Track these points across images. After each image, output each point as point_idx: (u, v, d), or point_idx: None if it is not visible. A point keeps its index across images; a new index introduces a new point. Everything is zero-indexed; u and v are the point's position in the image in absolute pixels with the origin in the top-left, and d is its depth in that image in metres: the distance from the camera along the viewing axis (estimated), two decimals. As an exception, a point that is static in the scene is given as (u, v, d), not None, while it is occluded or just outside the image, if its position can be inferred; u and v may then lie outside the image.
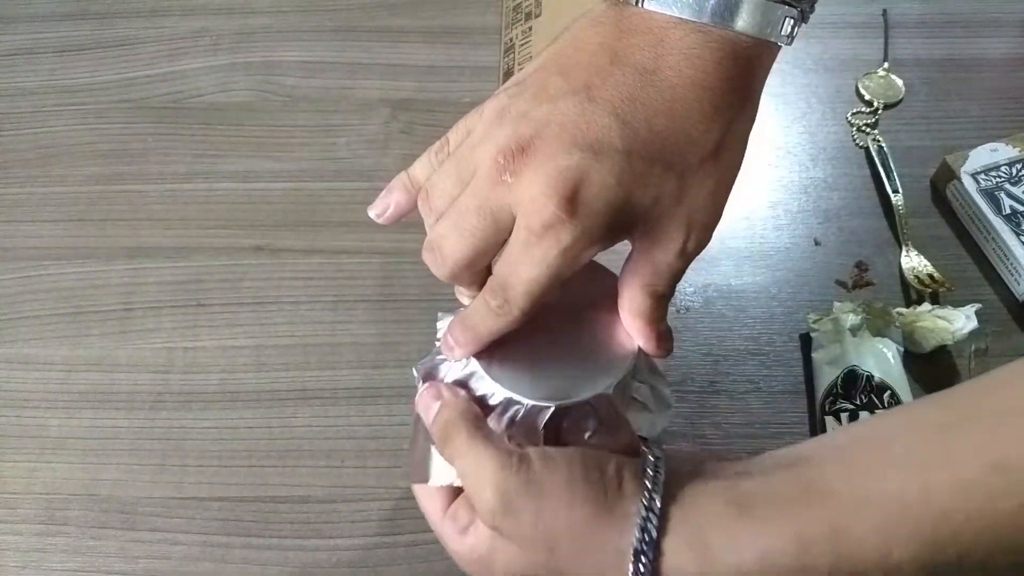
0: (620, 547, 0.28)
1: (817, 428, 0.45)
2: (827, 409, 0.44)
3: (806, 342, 0.48)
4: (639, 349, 0.33)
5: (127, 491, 0.44)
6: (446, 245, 0.31)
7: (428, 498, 0.33)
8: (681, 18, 0.29)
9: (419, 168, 0.35)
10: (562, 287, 0.31)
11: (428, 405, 0.33)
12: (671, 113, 0.29)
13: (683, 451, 0.43)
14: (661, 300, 0.32)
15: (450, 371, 0.35)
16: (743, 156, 0.31)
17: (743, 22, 0.29)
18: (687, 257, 0.31)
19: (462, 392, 0.33)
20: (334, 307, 0.49)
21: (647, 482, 0.29)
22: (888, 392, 0.44)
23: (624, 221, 0.29)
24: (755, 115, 0.31)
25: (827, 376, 0.45)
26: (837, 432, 0.42)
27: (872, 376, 0.44)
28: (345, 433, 0.45)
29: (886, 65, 0.59)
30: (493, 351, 0.33)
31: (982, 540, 0.26)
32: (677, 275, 0.32)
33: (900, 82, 0.58)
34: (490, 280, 0.31)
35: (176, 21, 0.62)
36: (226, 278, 0.51)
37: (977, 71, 0.59)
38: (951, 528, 0.26)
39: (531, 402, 0.32)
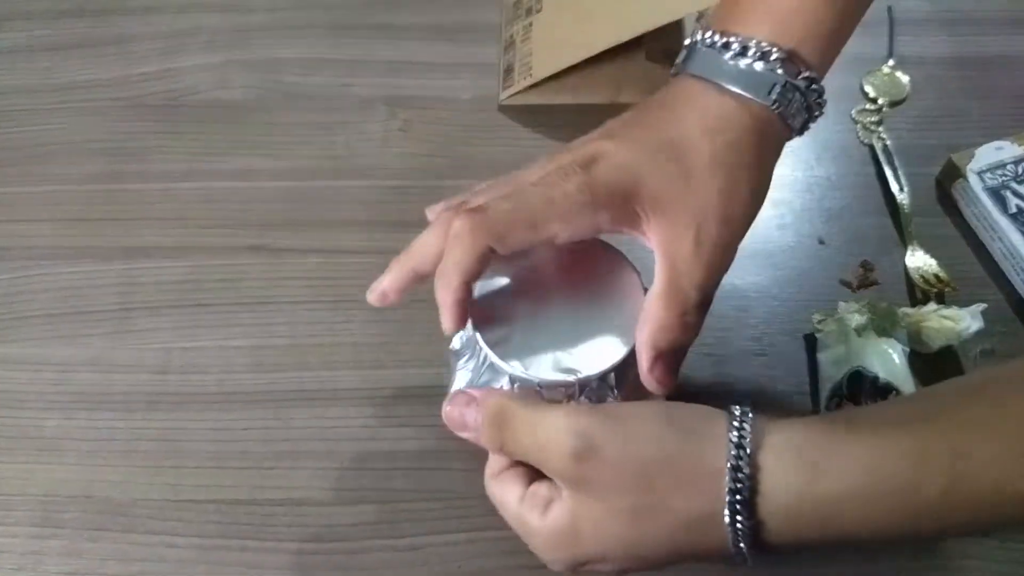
0: (717, 468, 0.28)
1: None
2: (832, 410, 0.44)
3: (810, 342, 0.47)
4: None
5: (123, 493, 0.43)
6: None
7: (505, 484, 0.32)
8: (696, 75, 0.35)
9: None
10: (572, 267, 0.34)
11: (463, 413, 0.33)
12: (675, 124, 0.34)
13: None
14: (687, 328, 0.33)
15: (459, 351, 0.36)
16: (748, 171, 0.34)
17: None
18: (703, 254, 0.32)
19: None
20: (333, 307, 0.49)
21: (735, 409, 0.30)
22: (894, 393, 0.43)
23: (632, 196, 0.32)
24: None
25: (832, 377, 0.45)
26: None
27: (878, 377, 0.44)
28: (344, 435, 0.45)
29: (891, 62, 0.59)
30: (502, 333, 0.34)
31: None
32: (701, 285, 0.32)
33: (905, 80, 0.58)
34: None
35: (172, 18, 0.61)
36: (224, 278, 0.50)
37: (983, 69, 0.58)
38: None
39: (548, 378, 0.33)
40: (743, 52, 0.33)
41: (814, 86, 0.34)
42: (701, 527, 0.29)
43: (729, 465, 0.28)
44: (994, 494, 0.27)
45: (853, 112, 0.57)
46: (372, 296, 0.36)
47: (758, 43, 0.33)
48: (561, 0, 0.58)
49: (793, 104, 0.33)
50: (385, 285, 0.35)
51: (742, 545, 0.29)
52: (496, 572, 0.41)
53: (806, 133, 0.59)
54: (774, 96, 0.33)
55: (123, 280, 0.50)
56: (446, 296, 0.32)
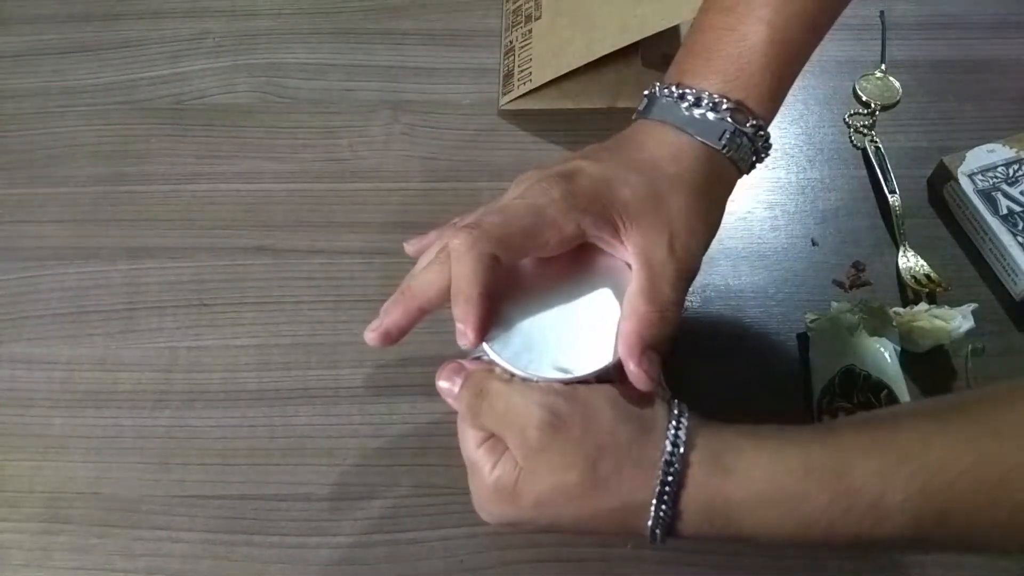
0: (653, 459, 0.32)
1: (815, 427, 0.45)
2: (824, 408, 0.45)
3: (803, 342, 0.48)
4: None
5: (130, 489, 0.44)
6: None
7: (471, 428, 0.35)
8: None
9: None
10: (570, 269, 0.36)
11: (451, 378, 0.36)
12: (640, 151, 0.38)
13: None
14: (664, 322, 0.35)
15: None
16: (707, 195, 0.37)
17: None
18: (676, 257, 0.35)
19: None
20: (336, 307, 0.50)
21: (674, 408, 0.34)
22: (885, 391, 0.44)
23: (610, 204, 0.35)
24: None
25: (824, 375, 0.45)
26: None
27: (869, 375, 0.44)
28: (347, 432, 0.46)
29: (883, 67, 0.59)
30: (502, 332, 0.35)
31: (967, 499, 0.30)
32: (675, 284, 0.35)
33: (897, 83, 0.59)
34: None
35: (178, 23, 0.62)
36: (229, 278, 0.51)
37: (974, 72, 0.59)
38: (944, 480, 0.30)
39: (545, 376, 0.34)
40: (697, 103, 0.37)
41: (761, 132, 0.38)
42: (628, 510, 0.32)
43: (664, 460, 0.32)
44: (872, 508, 0.30)
45: (846, 116, 0.58)
46: (373, 335, 0.36)
47: (710, 95, 0.37)
48: (560, 7, 0.58)
49: (742, 148, 0.38)
50: (389, 325, 0.36)
51: (658, 531, 0.32)
52: (497, 566, 0.42)
53: (801, 137, 0.60)
54: (724, 141, 0.37)
55: (129, 280, 0.51)
56: (468, 311, 0.33)
